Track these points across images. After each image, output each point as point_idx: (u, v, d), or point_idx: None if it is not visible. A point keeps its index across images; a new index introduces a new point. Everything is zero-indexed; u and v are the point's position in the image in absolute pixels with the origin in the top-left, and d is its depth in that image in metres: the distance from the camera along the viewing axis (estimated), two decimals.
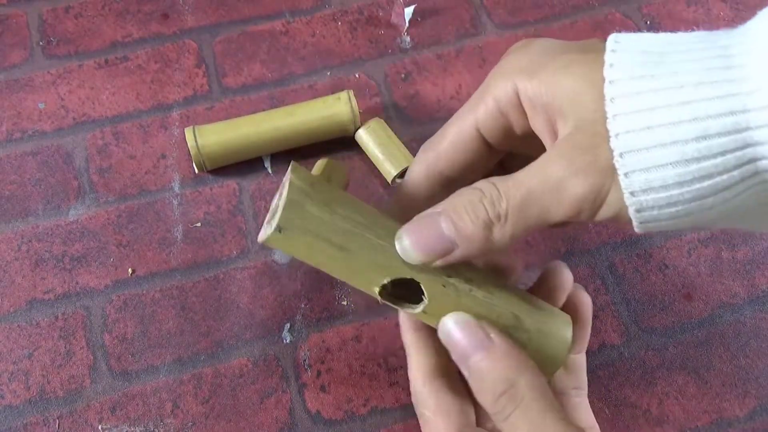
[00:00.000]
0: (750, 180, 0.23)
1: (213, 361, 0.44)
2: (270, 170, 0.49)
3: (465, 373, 0.30)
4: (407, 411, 0.43)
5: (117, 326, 0.44)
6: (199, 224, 0.48)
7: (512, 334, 0.31)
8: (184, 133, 0.50)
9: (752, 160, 0.22)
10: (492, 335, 0.29)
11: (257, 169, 0.49)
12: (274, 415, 0.42)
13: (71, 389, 0.43)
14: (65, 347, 0.44)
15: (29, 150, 0.50)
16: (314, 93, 0.52)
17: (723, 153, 0.22)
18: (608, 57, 0.24)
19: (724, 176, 0.23)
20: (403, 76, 0.53)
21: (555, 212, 0.25)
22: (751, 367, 0.45)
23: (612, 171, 0.24)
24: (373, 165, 0.50)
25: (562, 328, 0.32)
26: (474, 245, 0.27)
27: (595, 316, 0.46)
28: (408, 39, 0.55)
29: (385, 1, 0.56)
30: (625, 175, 0.23)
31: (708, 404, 0.44)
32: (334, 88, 0.52)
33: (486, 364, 0.28)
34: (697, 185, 0.23)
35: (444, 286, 0.30)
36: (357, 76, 0.53)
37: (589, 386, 0.42)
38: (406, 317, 0.33)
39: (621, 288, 0.47)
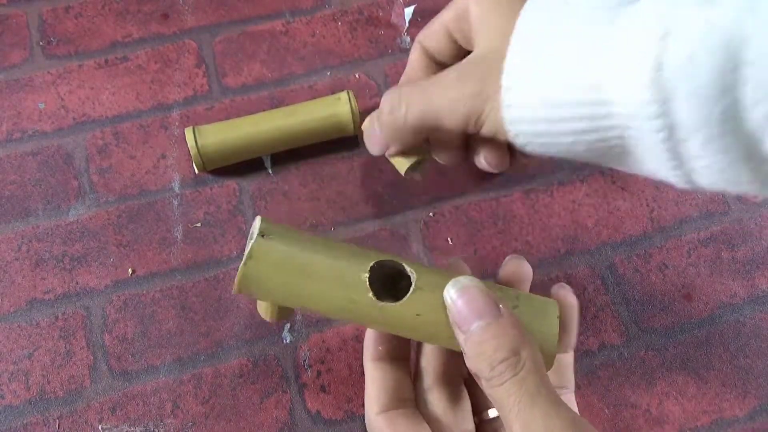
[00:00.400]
0: (602, 123, 0.27)
1: (213, 361, 0.44)
2: (270, 170, 0.49)
3: (461, 337, 0.30)
4: None
5: (117, 326, 0.44)
6: (199, 224, 0.48)
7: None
8: (184, 133, 0.50)
9: (606, 112, 0.27)
10: (500, 306, 0.30)
11: (257, 169, 0.49)
12: (274, 415, 0.42)
13: (71, 389, 0.43)
14: (65, 347, 0.44)
15: (29, 150, 0.50)
16: (314, 93, 0.52)
17: (580, 104, 0.27)
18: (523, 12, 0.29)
19: (581, 124, 0.28)
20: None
21: (447, 122, 0.32)
22: (751, 367, 0.45)
23: (494, 101, 0.30)
24: (373, 165, 0.50)
25: (551, 313, 0.33)
26: (391, 134, 0.35)
27: (594, 316, 0.46)
28: (408, 39, 0.55)
29: (385, 1, 0.56)
30: (507, 106, 0.29)
31: (708, 404, 0.44)
32: (334, 88, 0.52)
33: (493, 329, 0.29)
34: (558, 126, 0.28)
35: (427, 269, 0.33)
36: (357, 76, 0.53)
37: (589, 386, 0.42)
38: (368, 344, 0.35)
39: (621, 288, 0.47)
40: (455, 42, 0.35)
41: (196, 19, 0.55)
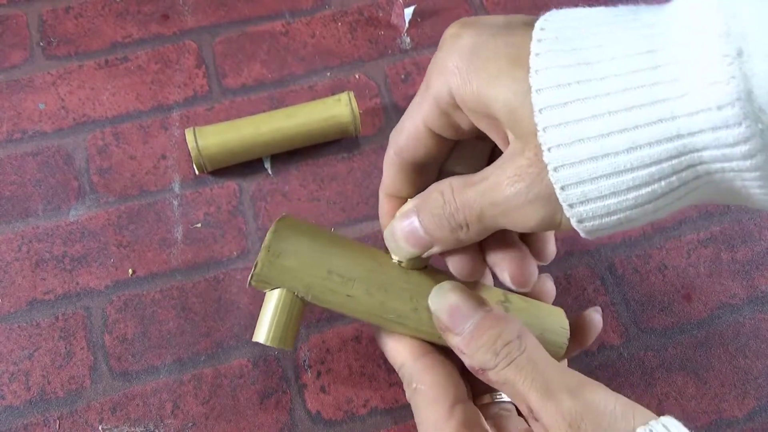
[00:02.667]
0: (692, 183, 0.23)
1: (213, 362, 0.44)
2: (270, 171, 0.49)
3: (456, 339, 0.30)
4: (407, 411, 0.43)
5: (117, 327, 0.44)
6: (199, 225, 0.48)
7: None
8: (184, 133, 0.50)
9: (690, 166, 0.22)
10: (490, 305, 0.31)
11: (257, 170, 0.49)
12: (274, 415, 0.43)
13: (71, 389, 0.43)
14: (65, 348, 0.44)
15: (29, 150, 0.50)
16: (314, 93, 0.52)
17: (657, 162, 0.22)
18: (533, 61, 0.23)
19: (662, 183, 0.22)
20: (403, 76, 0.53)
21: (514, 227, 0.27)
22: (750, 367, 0.45)
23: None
24: (373, 165, 0.50)
25: (559, 321, 0.34)
26: (447, 245, 0.30)
27: None
28: (408, 39, 0.55)
29: (385, 1, 0.56)
30: (562, 188, 0.23)
31: (707, 405, 0.44)
32: (334, 89, 0.52)
33: (489, 321, 0.29)
34: (634, 193, 0.23)
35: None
36: (357, 76, 0.53)
37: None
38: None
39: (620, 288, 0.47)
40: (443, 139, 0.30)
41: (196, 20, 0.55)
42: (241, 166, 0.49)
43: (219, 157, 0.48)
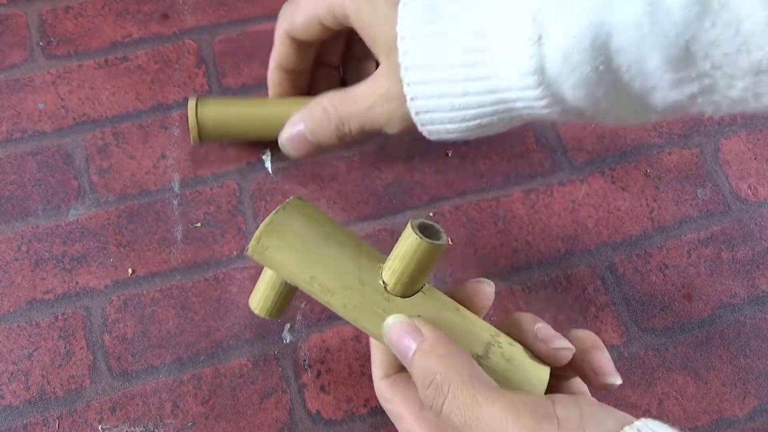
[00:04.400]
0: (507, 118, 0.34)
1: (213, 361, 0.44)
2: (270, 170, 0.49)
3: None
4: None
5: (117, 326, 0.44)
6: (199, 224, 0.48)
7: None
8: (184, 133, 0.50)
9: (506, 111, 0.33)
10: (423, 329, 0.30)
11: (257, 170, 0.49)
12: (274, 415, 0.42)
13: (71, 389, 0.43)
14: (65, 347, 0.44)
15: (29, 150, 0.50)
16: None
17: (481, 106, 0.33)
18: (400, 11, 0.34)
19: (485, 119, 0.34)
20: None
21: (375, 125, 0.38)
22: (751, 367, 0.45)
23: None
24: (373, 165, 0.50)
25: (539, 376, 0.33)
26: (334, 146, 0.42)
27: (594, 317, 0.46)
28: None
29: None
30: (416, 113, 0.35)
31: (708, 404, 0.44)
32: None
33: (417, 357, 0.29)
34: (465, 124, 0.35)
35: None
36: None
37: (588, 387, 0.41)
38: None
39: (621, 288, 0.47)
40: (328, 28, 0.39)
41: (196, 19, 0.55)
42: (241, 165, 0.49)
43: (217, 129, 0.46)
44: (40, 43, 0.53)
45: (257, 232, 0.33)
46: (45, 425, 0.42)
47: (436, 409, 0.28)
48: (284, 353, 0.44)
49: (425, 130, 0.36)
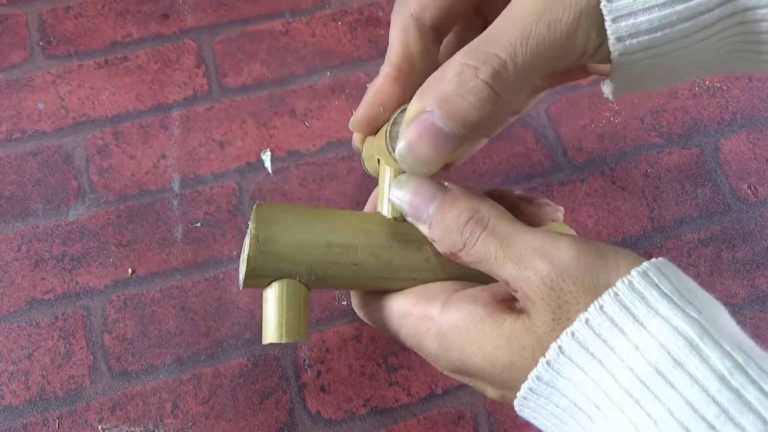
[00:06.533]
0: (728, 20, 0.24)
1: (213, 361, 0.44)
2: (270, 170, 0.49)
3: (424, 228, 0.28)
4: (407, 411, 0.43)
5: (117, 326, 0.44)
6: (199, 224, 0.48)
7: None
8: (184, 133, 0.50)
9: (734, 13, 0.23)
10: (446, 184, 0.28)
11: (257, 170, 0.49)
12: (274, 415, 0.42)
13: (71, 389, 0.43)
14: (65, 347, 0.44)
15: (29, 150, 0.50)
16: (314, 93, 0.52)
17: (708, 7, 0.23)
18: None
19: (705, 16, 0.23)
20: None
21: (550, 51, 0.24)
22: None
23: (595, 13, 0.23)
24: None
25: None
26: (484, 122, 0.24)
27: None
28: None
29: (385, 1, 0.56)
30: (612, 20, 0.23)
31: None
32: (334, 88, 0.52)
33: (448, 201, 0.27)
34: (680, 26, 0.23)
35: None
36: (357, 76, 0.53)
37: None
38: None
39: None
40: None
41: (196, 19, 0.55)
42: (242, 164, 0.49)
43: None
44: (40, 43, 0.53)
45: (252, 237, 0.28)
46: (45, 425, 0.42)
47: (470, 243, 0.26)
48: (284, 353, 0.44)
49: (617, 46, 0.24)
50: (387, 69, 0.29)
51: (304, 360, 0.44)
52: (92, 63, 0.53)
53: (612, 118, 0.53)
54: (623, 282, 0.23)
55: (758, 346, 0.23)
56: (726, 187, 0.51)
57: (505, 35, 0.23)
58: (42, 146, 0.50)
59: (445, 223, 0.27)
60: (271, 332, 0.28)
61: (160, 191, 0.48)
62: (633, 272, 0.23)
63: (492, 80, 0.23)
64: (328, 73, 0.53)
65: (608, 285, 0.23)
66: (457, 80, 0.24)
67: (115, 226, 0.47)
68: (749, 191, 0.51)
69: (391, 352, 0.44)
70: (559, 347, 0.23)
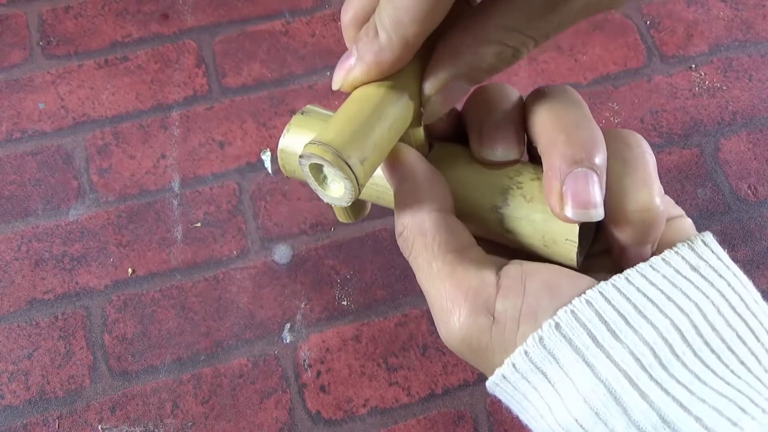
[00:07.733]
0: None
1: (213, 361, 0.44)
2: (270, 170, 0.49)
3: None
4: (407, 411, 0.43)
5: (117, 326, 0.44)
6: (199, 224, 0.48)
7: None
8: (184, 133, 0.50)
9: None
10: (407, 165, 0.22)
11: (257, 170, 0.49)
12: (274, 415, 0.42)
13: (71, 389, 0.43)
14: (65, 347, 0.44)
15: (29, 150, 0.50)
16: (314, 93, 0.52)
17: None
18: None
19: None
20: None
21: None
22: None
23: None
24: None
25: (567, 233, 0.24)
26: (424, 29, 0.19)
27: None
28: None
29: None
30: None
31: None
32: None
33: (396, 199, 0.22)
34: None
35: None
36: None
37: None
38: None
39: None
40: None
41: (196, 19, 0.55)
42: (241, 164, 0.49)
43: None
44: (40, 43, 0.53)
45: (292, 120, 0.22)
46: (45, 425, 0.42)
47: (407, 257, 0.23)
48: (284, 353, 0.44)
49: None
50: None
51: (304, 360, 0.44)
52: (92, 63, 0.53)
53: (612, 118, 0.53)
54: (549, 324, 0.19)
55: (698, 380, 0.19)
56: (726, 187, 0.51)
57: None
58: (42, 146, 0.50)
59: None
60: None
61: (160, 191, 0.48)
62: (559, 313, 0.19)
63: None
64: (328, 73, 0.53)
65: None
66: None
67: (115, 226, 0.47)
68: (749, 191, 0.51)
69: (391, 352, 0.44)
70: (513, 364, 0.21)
